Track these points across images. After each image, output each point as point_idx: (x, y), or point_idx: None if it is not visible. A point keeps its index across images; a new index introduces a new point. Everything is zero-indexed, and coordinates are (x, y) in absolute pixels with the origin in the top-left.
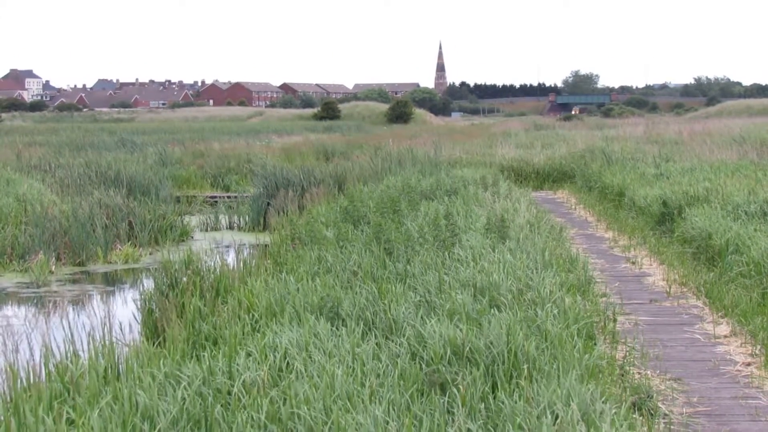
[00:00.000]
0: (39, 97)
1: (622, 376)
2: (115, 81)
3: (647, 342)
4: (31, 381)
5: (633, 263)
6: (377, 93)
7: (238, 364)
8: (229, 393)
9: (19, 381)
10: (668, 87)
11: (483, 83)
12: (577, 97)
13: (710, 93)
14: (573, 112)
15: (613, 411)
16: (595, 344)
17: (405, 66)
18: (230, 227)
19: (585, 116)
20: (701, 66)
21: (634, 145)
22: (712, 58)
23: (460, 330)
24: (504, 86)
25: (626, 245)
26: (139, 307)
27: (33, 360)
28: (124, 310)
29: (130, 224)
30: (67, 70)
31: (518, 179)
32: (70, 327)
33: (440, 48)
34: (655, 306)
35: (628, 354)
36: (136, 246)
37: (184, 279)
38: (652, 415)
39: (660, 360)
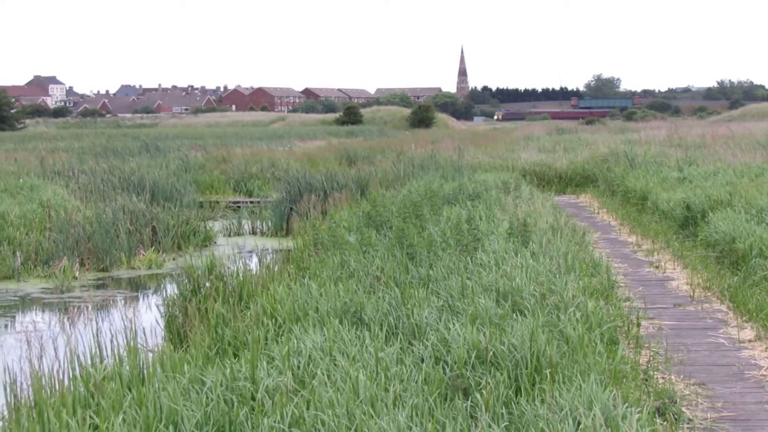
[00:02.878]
0: (62, 103)
1: (646, 380)
2: (138, 87)
3: (671, 346)
4: (56, 386)
5: (656, 267)
6: (399, 98)
7: (261, 369)
8: (252, 398)
9: (43, 386)
10: (691, 90)
11: (505, 87)
12: (599, 101)
13: (733, 96)
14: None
15: (637, 416)
16: (618, 349)
17: (427, 71)
18: (253, 232)
19: (607, 120)
20: (724, 69)
21: (656, 148)
22: (735, 61)
23: (483, 334)
24: (526, 90)
25: (649, 249)
26: (162, 312)
27: (57, 365)
28: (148, 315)
29: (153, 230)
30: (91, 76)
31: (540, 183)
32: (94, 332)
33: (462, 52)
34: (678, 310)
35: (651, 359)
36: (159, 251)
37: (207, 284)
38: (676, 420)
39: (684, 365)
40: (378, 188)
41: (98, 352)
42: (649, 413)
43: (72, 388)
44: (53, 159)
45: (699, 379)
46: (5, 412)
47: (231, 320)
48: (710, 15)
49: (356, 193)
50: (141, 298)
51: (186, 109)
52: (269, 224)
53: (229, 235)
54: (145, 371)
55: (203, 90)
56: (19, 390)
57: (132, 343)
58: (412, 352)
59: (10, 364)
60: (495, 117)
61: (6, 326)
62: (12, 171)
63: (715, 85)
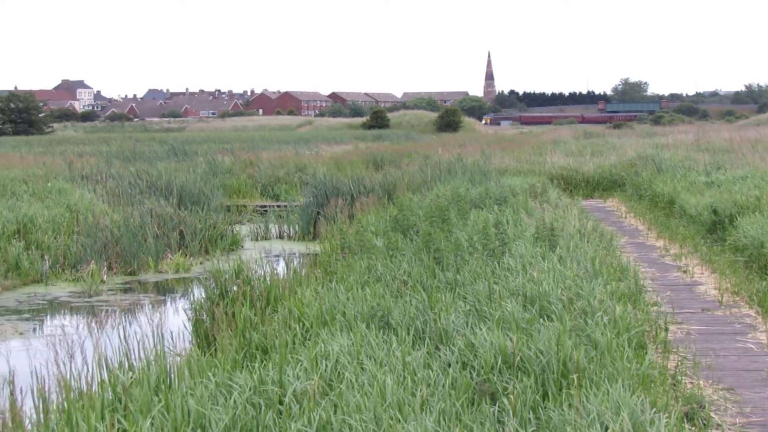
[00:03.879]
0: (90, 107)
1: (674, 385)
2: (165, 91)
3: (699, 351)
4: (84, 390)
5: (684, 272)
6: (426, 101)
7: (288, 374)
8: (280, 402)
9: (72, 390)
10: (718, 94)
11: (532, 91)
12: (626, 105)
13: (761, 100)
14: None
15: (665, 421)
16: (646, 354)
17: (454, 75)
18: (280, 236)
19: (635, 124)
20: (752, 73)
21: (684, 152)
22: (763, 64)
23: (510, 339)
24: (553, 94)
25: (677, 254)
26: (189, 316)
27: (86, 369)
28: (175, 319)
29: (180, 234)
30: (118, 80)
31: (568, 188)
32: (121, 336)
33: (489, 56)
34: (707, 315)
35: (679, 363)
36: (186, 255)
37: (235, 288)
38: (704, 425)
39: (712, 369)
40: (405, 192)
41: (126, 356)
42: (677, 418)
43: (100, 392)
44: (81, 163)
45: (727, 384)
46: (34, 416)
47: (258, 324)
48: (738, 18)
49: (383, 197)
50: (168, 302)
51: (213, 113)
52: (296, 228)
53: (257, 239)
54: (172, 375)
55: (230, 94)
56: (47, 394)
57: (159, 347)
58: (439, 356)
59: (38, 367)
60: (483, 121)
61: (34, 330)
62: (40, 175)
63: (743, 88)
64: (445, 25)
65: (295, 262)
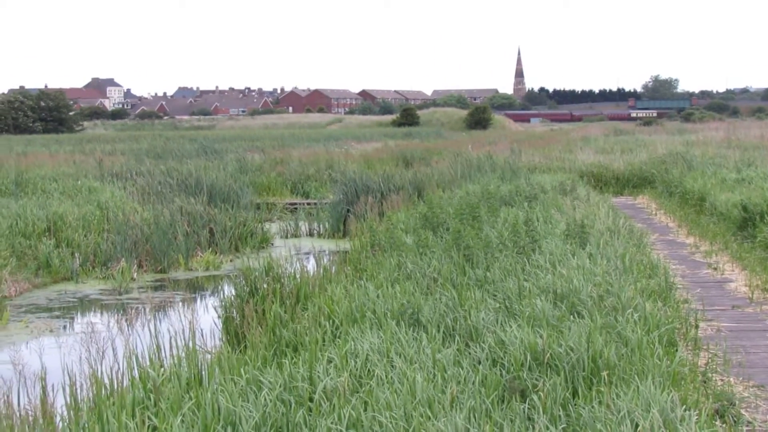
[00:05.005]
0: (120, 106)
1: (705, 383)
2: (195, 89)
3: (730, 348)
4: (115, 387)
5: (714, 269)
6: (456, 99)
7: (318, 371)
8: (310, 399)
9: (102, 387)
10: (749, 91)
11: (562, 89)
12: (656, 102)
13: None
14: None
15: (695, 418)
16: (676, 351)
17: (483, 72)
18: (310, 234)
19: (665, 121)
20: None
21: (714, 149)
22: None
23: (540, 336)
24: (583, 91)
25: (707, 251)
26: (219, 313)
27: (116, 366)
28: (205, 316)
29: (210, 231)
30: (148, 78)
31: (598, 185)
32: (152, 334)
33: (519, 54)
34: (737, 312)
35: (710, 360)
36: (216, 253)
37: (265, 286)
38: (735, 422)
39: (743, 367)
40: (435, 190)
41: (156, 354)
42: (708, 415)
43: (131, 390)
44: (111, 161)
45: (758, 381)
46: (65, 413)
47: (288, 322)
48: None
49: (413, 195)
50: (198, 300)
51: (243, 111)
52: (326, 226)
53: (286, 237)
54: (203, 372)
55: (260, 92)
56: (78, 391)
57: (190, 345)
58: (469, 353)
59: (69, 365)
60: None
61: (65, 327)
62: (70, 173)
63: None
64: (475, 23)
65: (325, 260)
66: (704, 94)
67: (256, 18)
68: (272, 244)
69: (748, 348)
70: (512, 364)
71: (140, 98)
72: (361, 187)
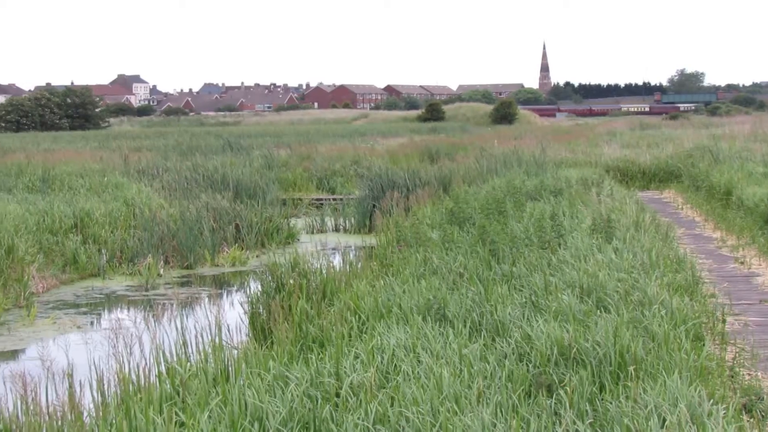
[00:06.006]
0: (146, 102)
1: (732, 377)
2: (220, 85)
3: (757, 343)
4: (142, 383)
5: (742, 263)
6: (481, 94)
7: (345, 366)
8: (337, 395)
9: (130, 383)
10: None
11: (587, 83)
12: (683, 96)
13: None
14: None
15: (723, 412)
16: (703, 345)
17: (509, 67)
18: (336, 229)
19: (691, 115)
20: None
21: (741, 143)
22: None
23: (567, 331)
24: (609, 86)
25: (734, 245)
26: (246, 309)
27: (143, 362)
28: (232, 312)
29: (236, 227)
30: (174, 74)
31: (624, 179)
32: (178, 329)
33: (544, 48)
34: (765, 306)
35: (737, 355)
36: (242, 249)
37: (291, 281)
38: (762, 417)
39: None
40: (460, 185)
41: (183, 350)
42: (735, 410)
43: (158, 385)
44: (137, 157)
45: None
46: (92, 409)
47: (315, 317)
48: None
49: (439, 190)
50: (225, 296)
51: (268, 107)
52: (352, 221)
53: (312, 233)
54: (230, 368)
55: (285, 88)
56: (105, 386)
57: (217, 340)
58: (496, 348)
59: (96, 360)
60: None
61: (92, 323)
62: (97, 169)
63: None
64: (500, 17)
65: (351, 255)
66: (730, 87)
67: (281, 13)
68: (298, 240)
69: None
70: (539, 359)
71: (166, 95)
72: (387, 182)
